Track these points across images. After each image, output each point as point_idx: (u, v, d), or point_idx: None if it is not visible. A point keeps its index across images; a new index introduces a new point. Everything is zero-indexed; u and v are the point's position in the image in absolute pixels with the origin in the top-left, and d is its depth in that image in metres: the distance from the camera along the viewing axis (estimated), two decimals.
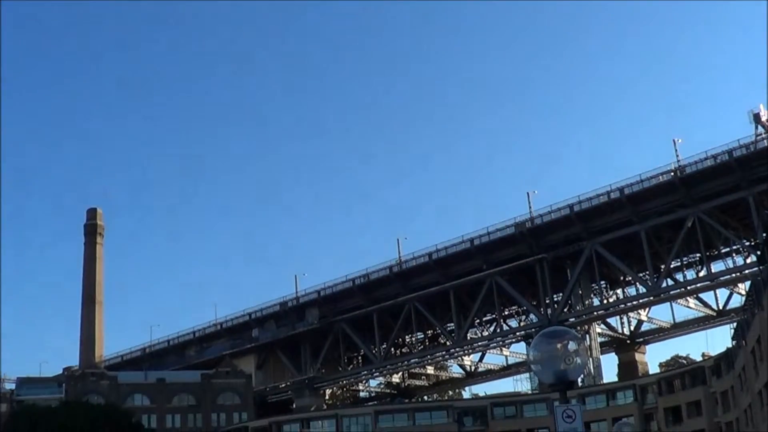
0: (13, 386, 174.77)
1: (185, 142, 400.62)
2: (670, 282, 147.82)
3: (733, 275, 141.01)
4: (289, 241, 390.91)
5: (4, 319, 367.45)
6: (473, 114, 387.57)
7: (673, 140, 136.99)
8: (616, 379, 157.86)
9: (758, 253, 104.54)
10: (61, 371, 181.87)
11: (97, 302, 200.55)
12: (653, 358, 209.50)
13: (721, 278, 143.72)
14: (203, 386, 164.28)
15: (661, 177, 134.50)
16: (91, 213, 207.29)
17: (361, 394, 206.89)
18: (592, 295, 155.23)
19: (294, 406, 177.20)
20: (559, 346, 13.40)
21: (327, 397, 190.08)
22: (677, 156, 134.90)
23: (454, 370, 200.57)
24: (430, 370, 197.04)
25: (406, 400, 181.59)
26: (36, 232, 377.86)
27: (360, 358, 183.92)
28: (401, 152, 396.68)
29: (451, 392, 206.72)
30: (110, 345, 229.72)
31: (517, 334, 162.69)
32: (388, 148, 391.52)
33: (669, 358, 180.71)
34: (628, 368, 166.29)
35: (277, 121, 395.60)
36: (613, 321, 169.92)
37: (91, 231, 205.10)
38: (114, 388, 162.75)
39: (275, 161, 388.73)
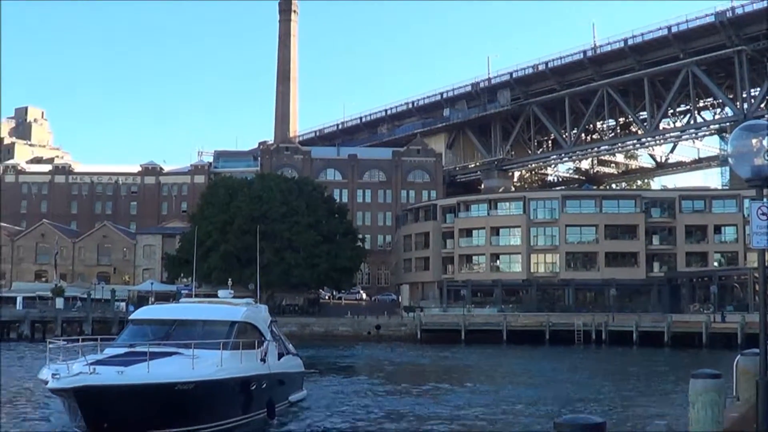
0: (210, 159, 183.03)
1: None
2: None
3: None
4: (481, 20, 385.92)
5: (200, 94, 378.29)
6: None
7: None
8: None
9: None
10: (256, 145, 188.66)
11: (292, 78, 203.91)
12: None
13: None
14: (394, 163, 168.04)
15: None
16: None
17: (549, 178, 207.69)
18: None
19: (482, 186, 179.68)
20: (758, 140, 13.13)
21: (515, 180, 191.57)
22: None
23: (644, 160, 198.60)
24: (619, 158, 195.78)
25: (594, 187, 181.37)
26: (231, 11, 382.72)
27: (550, 142, 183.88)
28: None
29: (639, 182, 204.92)
30: (304, 121, 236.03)
31: (711, 127, 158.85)
32: None
33: None
34: None
35: None
36: None
37: (286, 8, 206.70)
38: (307, 162, 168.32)
39: None
